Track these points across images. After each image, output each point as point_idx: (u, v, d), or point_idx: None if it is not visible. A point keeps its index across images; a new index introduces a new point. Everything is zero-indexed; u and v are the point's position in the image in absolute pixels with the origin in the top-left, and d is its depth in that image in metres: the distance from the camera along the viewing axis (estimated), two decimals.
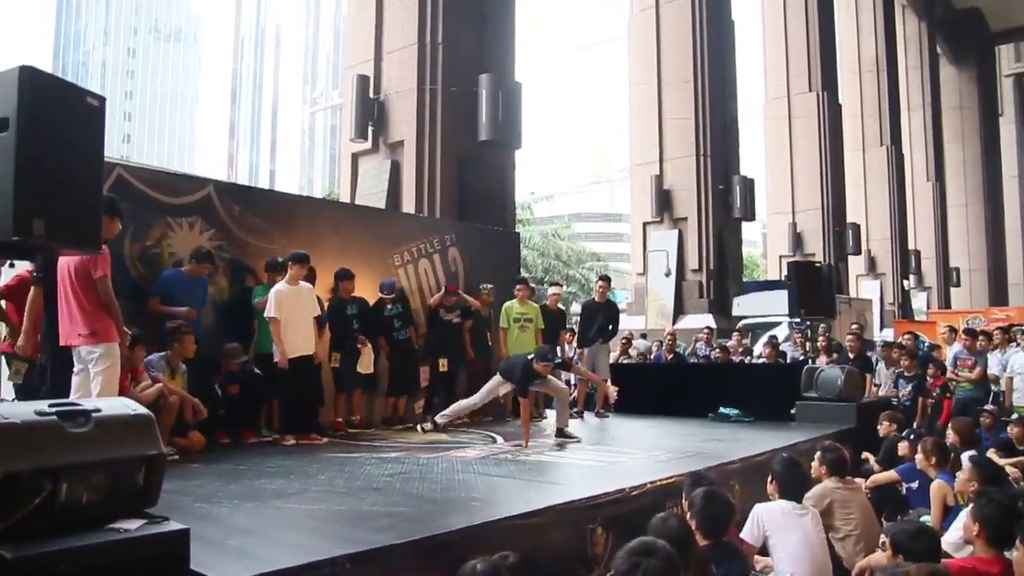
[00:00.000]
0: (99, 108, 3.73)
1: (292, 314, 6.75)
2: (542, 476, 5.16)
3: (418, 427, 7.60)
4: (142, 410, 2.66)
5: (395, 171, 10.64)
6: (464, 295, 8.85)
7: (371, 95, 10.89)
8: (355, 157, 11.35)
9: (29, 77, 3.20)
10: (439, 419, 7.32)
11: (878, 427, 7.24)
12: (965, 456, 5.31)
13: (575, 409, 9.20)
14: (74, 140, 3.57)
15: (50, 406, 2.45)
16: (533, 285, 9.51)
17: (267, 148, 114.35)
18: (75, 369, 4.91)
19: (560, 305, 9.84)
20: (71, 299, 4.81)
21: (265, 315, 6.68)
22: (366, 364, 7.69)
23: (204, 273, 6.63)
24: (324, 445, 6.57)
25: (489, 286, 9.03)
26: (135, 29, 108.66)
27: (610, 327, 9.44)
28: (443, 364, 8.41)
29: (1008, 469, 5.82)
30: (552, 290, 9.85)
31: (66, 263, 4.82)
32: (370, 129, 10.89)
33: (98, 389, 4.69)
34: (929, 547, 3.24)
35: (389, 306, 8.08)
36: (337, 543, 3.15)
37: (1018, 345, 9.44)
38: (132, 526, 2.43)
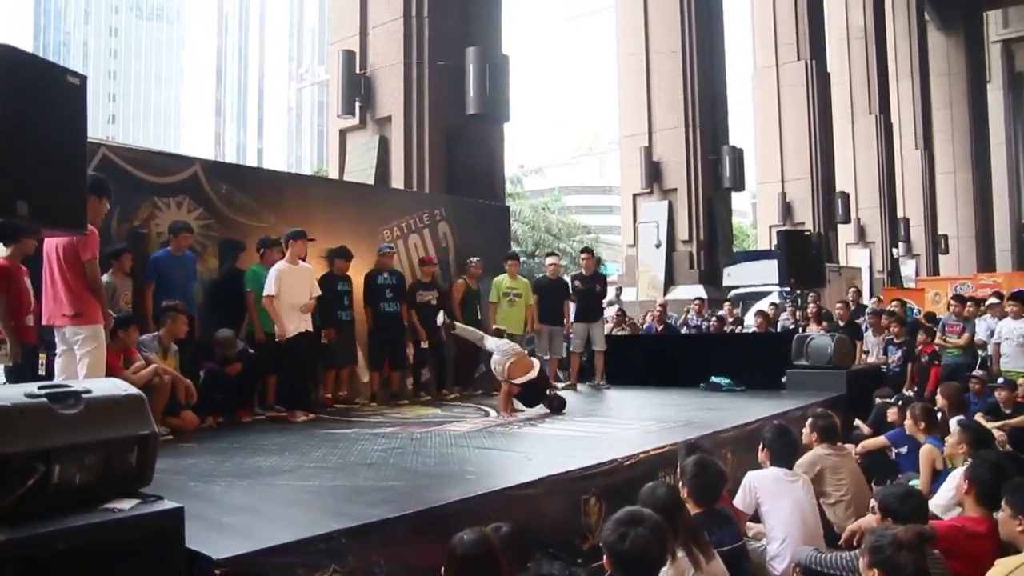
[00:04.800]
0: (80, 86, 3.69)
1: (292, 292, 6.75)
2: (535, 448, 5.18)
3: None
4: (133, 390, 2.65)
5: (383, 146, 10.56)
6: (438, 279, 8.73)
7: (357, 70, 10.79)
8: (343, 133, 11.27)
9: (7, 56, 3.16)
10: None
11: (875, 398, 7.32)
12: (953, 421, 5.37)
13: (567, 382, 9.23)
14: (56, 119, 3.53)
15: (40, 388, 2.43)
16: (524, 259, 9.43)
17: (254, 126, 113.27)
18: (58, 351, 4.88)
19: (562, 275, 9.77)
20: (57, 280, 4.76)
21: (264, 293, 6.70)
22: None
23: (187, 246, 6.56)
24: (317, 422, 6.58)
25: (476, 259, 8.92)
26: (116, 8, 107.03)
27: (600, 302, 9.28)
28: (425, 342, 8.37)
29: (995, 433, 5.89)
30: (550, 260, 9.79)
31: (53, 243, 4.77)
32: (357, 105, 10.80)
33: (84, 371, 4.66)
34: (917, 509, 3.28)
35: (385, 275, 8.03)
36: (333, 518, 3.16)
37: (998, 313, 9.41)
38: (126, 506, 2.43)
